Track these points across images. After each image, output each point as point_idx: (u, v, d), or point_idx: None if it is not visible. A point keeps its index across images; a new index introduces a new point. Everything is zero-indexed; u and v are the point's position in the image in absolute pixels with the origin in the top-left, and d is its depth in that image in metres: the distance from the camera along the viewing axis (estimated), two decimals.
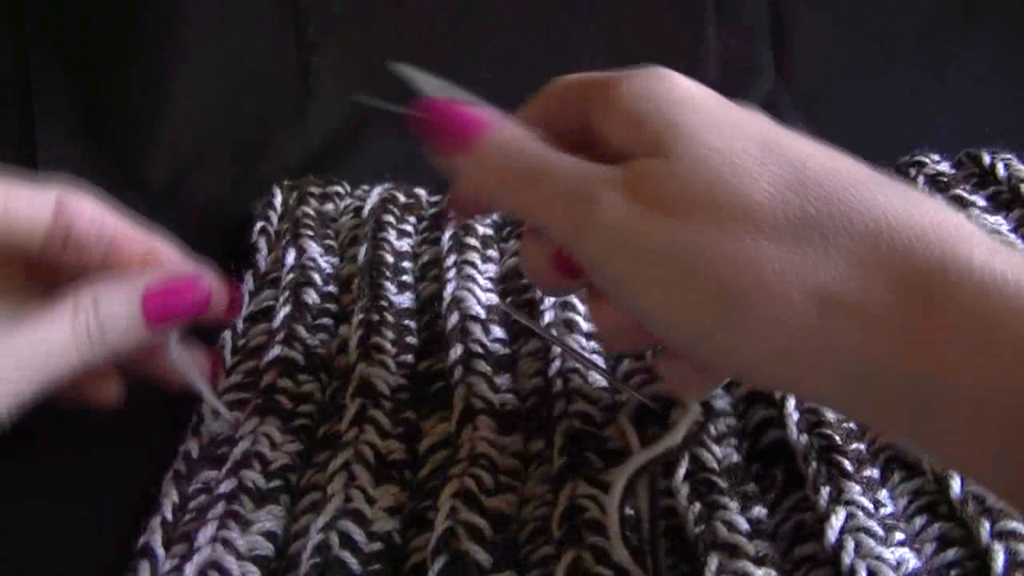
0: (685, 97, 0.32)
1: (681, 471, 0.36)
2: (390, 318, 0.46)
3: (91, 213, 0.37)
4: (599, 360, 0.43)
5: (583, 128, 0.34)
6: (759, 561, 0.33)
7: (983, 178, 0.57)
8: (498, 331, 0.46)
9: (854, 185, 0.29)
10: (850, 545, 0.33)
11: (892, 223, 0.28)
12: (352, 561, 0.32)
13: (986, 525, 0.33)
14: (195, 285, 0.38)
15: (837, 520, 0.34)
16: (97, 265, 0.37)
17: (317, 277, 0.50)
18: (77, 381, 0.36)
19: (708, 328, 0.29)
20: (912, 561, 0.33)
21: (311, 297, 0.48)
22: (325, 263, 0.52)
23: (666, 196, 0.30)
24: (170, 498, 0.36)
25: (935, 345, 0.26)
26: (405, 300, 0.49)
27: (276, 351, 0.44)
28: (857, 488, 0.35)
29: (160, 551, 0.34)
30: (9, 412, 0.33)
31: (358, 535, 0.33)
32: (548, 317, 0.46)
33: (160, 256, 0.38)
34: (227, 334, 0.46)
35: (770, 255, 0.28)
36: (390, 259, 0.51)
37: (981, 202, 0.54)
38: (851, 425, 0.40)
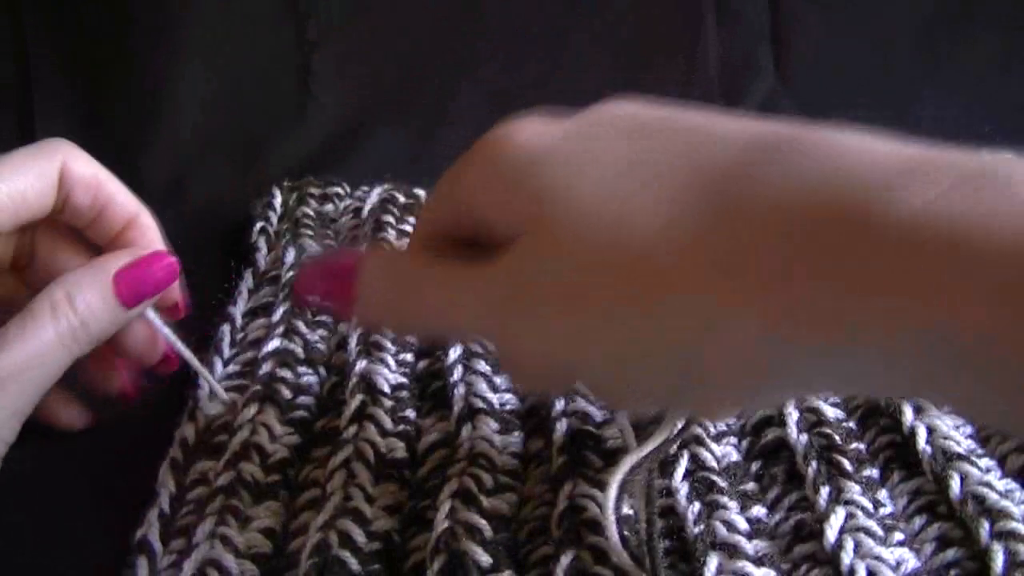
0: (533, 147, 0.29)
1: (680, 470, 0.36)
2: None
3: (89, 179, 0.38)
4: None
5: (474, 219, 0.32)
6: (758, 561, 0.33)
7: None
8: None
9: (742, 173, 0.26)
10: (850, 545, 0.33)
11: (807, 203, 0.24)
12: (351, 560, 0.32)
13: (985, 525, 0.33)
14: (160, 258, 0.38)
15: (837, 520, 0.34)
16: (85, 225, 0.39)
17: None
18: (42, 407, 0.37)
19: (668, 400, 0.29)
20: (911, 561, 0.33)
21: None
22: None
23: (553, 291, 0.28)
24: (167, 489, 0.36)
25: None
26: None
27: (275, 343, 0.44)
28: (857, 488, 0.35)
29: (158, 545, 0.34)
30: (14, 432, 0.34)
31: (358, 534, 0.33)
32: None
33: (141, 223, 0.40)
34: (226, 327, 0.47)
35: (685, 301, 0.26)
36: None
37: None
38: (851, 425, 0.40)
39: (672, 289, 0.26)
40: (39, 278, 0.39)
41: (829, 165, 0.25)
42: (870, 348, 0.23)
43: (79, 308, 0.36)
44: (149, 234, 0.40)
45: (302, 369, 0.43)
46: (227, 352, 0.45)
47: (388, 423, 0.39)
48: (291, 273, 0.50)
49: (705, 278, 0.25)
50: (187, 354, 0.40)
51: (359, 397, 0.40)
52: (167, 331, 0.40)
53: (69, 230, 0.40)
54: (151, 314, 0.39)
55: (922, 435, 0.38)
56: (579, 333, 0.28)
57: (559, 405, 0.40)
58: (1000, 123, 0.65)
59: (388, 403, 0.40)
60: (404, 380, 0.42)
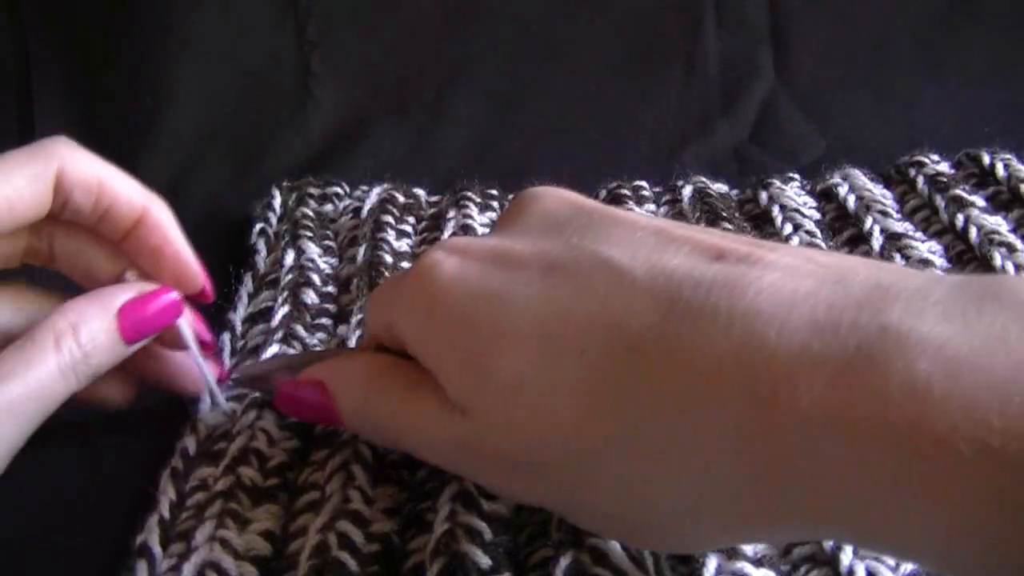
0: (449, 318, 0.30)
1: None
2: None
3: (89, 180, 0.37)
4: None
5: None
6: (757, 562, 0.33)
7: (983, 178, 0.57)
8: None
9: (649, 358, 0.26)
10: (849, 546, 0.33)
11: (709, 387, 0.25)
12: (351, 562, 0.32)
13: None
14: (164, 297, 0.38)
15: None
16: (91, 226, 0.38)
17: (316, 277, 0.50)
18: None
19: (628, 541, 0.31)
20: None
21: (310, 297, 0.48)
22: (324, 264, 0.52)
23: (497, 462, 0.30)
24: (167, 496, 0.36)
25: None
26: None
27: (274, 348, 0.44)
28: None
29: (157, 550, 0.34)
30: (4, 463, 0.33)
31: (357, 536, 0.33)
32: None
33: (150, 219, 0.39)
34: (226, 336, 0.46)
35: (612, 481, 0.27)
36: (389, 259, 0.51)
37: (981, 202, 0.54)
38: None
39: (595, 477, 0.27)
40: (66, 272, 0.39)
41: (739, 339, 0.25)
42: (788, 529, 0.26)
43: (83, 341, 0.35)
44: (159, 230, 0.39)
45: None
46: (227, 363, 0.45)
47: None
48: (290, 276, 0.50)
49: (627, 465, 0.27)
50: (205, 369, 0.40)
51: None
52: (192, 343, 0.39)
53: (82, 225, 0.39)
54: (183, 324, 0.38)
55: None
56: (529, 495, 0.31)
57: None
58: (1000, 123, 0.65)
59: None
60: None
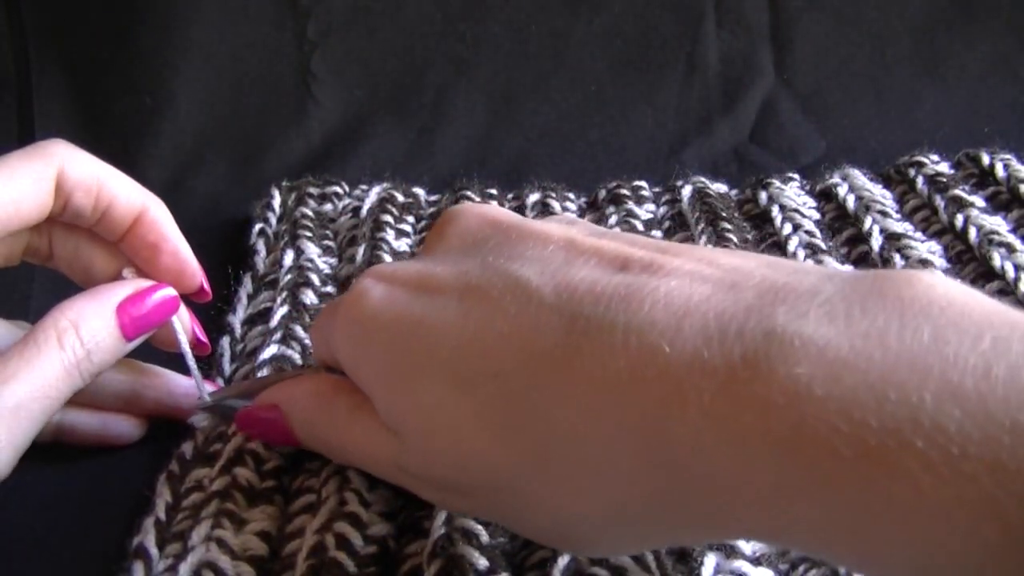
0: (373, 347, 0.31)
1: None
2: None
3: (88, 181, 0.37)
4: None
5: None
6: (756, 561, 0.33)
7: (982, 178, 0.57)
8: None
9: (553, 377, 0.27)
10: None
11: (610, 404, 0.25)
12: (348, 562, 0.32)
13: None
14: (161, 293, 0.38)
15: None
16: (90, 226, 0.38)
17: (315, 278, 0.50)
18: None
19: (572, 551, 0.32)
20: None
21: (309, 298, 0.48)
22: (323, 264, 0.52)
23: (430, 483, 0.31)
24: (163, 498, 0.36)
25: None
26: None
27: (273, 349, 0.44)
28: None
29: (154, 551, 0.34)
30: (9, 466, 0.33)
31: (354, 537, 0.33)
32: None
33: (148, 218, 0.39)
34: (225, 340, 0.46)
35: (536, 505, 0.28)
36: (388, 259, 0.51)
37: (980, 202, 0.54)
38: None
39: (517, 500, 0.28)
40: (64, 271, 0.39)
41: (635, 352, 0.25)
42: (697, 532, 0.27)
43: (85, 338, 0.35)
44: (157, 229, 0.39)
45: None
46: (227, 369, 0.45)
47: None
48: (289, 276, 0.50)
49: (545, 490, 0.27)
50: (194, 368, 0.40)
51: None
52: (184, 341, 0.39)
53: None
54: (176, 322, 0.39)
55: None
56: (471, 511, 0.32)
57: None
58: (1000, 123, 0.65)
59: None
60: None
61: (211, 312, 0.49)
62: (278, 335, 0.45)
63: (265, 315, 0.48)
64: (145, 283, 0.38)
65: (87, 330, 0.35)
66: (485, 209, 0.34)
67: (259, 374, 0.42)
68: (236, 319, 0.48)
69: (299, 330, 0.45)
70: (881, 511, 0.21)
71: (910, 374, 0.21)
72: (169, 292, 0.38)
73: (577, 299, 0.27)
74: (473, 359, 0.28)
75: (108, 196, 0.38)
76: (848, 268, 0.50)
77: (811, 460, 0.21)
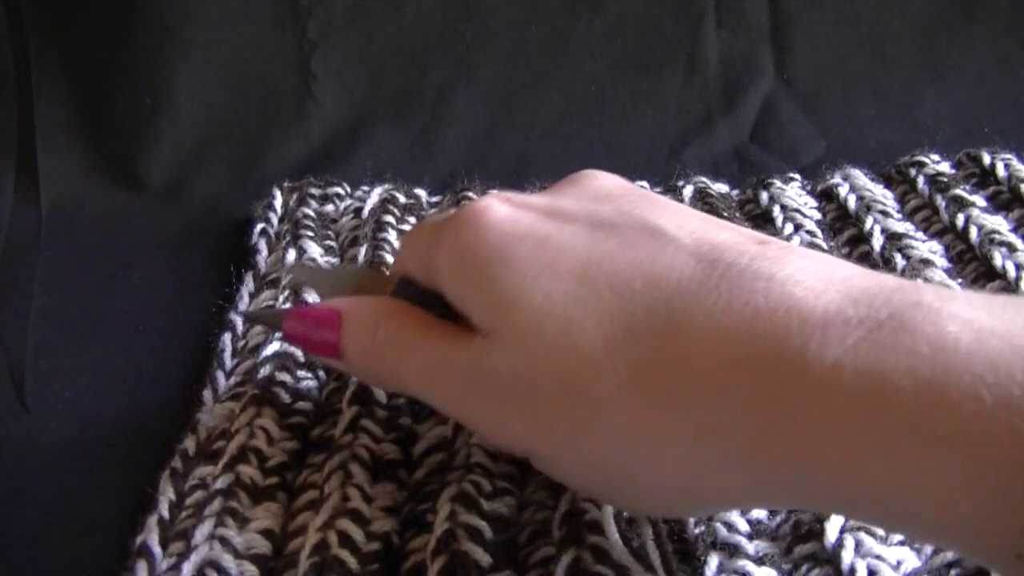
0: (494, 249, 0.30)
1: None
2: None
3: None
4: None
5: None
6: (759, 560, 0.33)
7: (983, 178, 0.57)
8: None
9: (684, 303, 0.27)
10: (850, 544, 0.33)
11: (739, 334, 0.26)
12: (351, 560, 0.32)
13: None
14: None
15: (837, 519, 0.34)
16: None
17: None
18: None
19: (610, 497, 0.32)
20: (912, 560, 0.33)
21: (312, 296, 0.48)
22: (325, 263, 0.52)
23: (507, 389, 0.30)
24: (166, 496, 0.36)
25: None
26: None
27: (275, 346, 0.44)
28: None
29: (157, 550, 0.34)
30: None
31: (357, 534, 0.33)
32: None
33: None
34: (227, 336, 0.46)
35: (622, 424, 0.27)
36: (390, 259, 0.51)
37: (981, 202, 0.54)
38: None
39: (607, 415, 0.28)
40: None
41: (777, 298, 0.26)
42: (787, 476, 0.26)
43: None
44: None
45: (301, 373, 0.43)
46: (229, 363, 0.45)
47: (382, 432, 0.39)
48: (291, 276, 0.50)
49: (640, 409, 0.27)
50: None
51: (354, 408, 0.39)
52: None
53: None
54: None
55: None
56: (524, 434, 0.31)
57: None
58: (1000, 123, 0.65)
59: (382, 413, 0.40)
60: None
61: (212, 310, 0.49)
62: (280, 332, 0.45)
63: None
64: None
65: None
66: (619, 177, 0.34)
67: (262, 370, 0.42)
68: (237, 316, 0.48)
69: None
70: (1019, 459, 0.21)
71: None
72: None
73: (719, 251, 0.28)
74: (599, 277, 0.28)
75: None
76: None
77: (952, 404, 0.22)
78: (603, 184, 0.34)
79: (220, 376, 0.44)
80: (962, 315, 0.23)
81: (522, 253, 0.30)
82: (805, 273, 0.26)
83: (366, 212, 0.56)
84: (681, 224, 0.29)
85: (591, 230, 0.30)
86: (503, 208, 0.31)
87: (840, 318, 0.25)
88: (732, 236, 0.29)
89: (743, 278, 0.27)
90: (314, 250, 0.52)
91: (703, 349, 0.26)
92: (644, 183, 0.60)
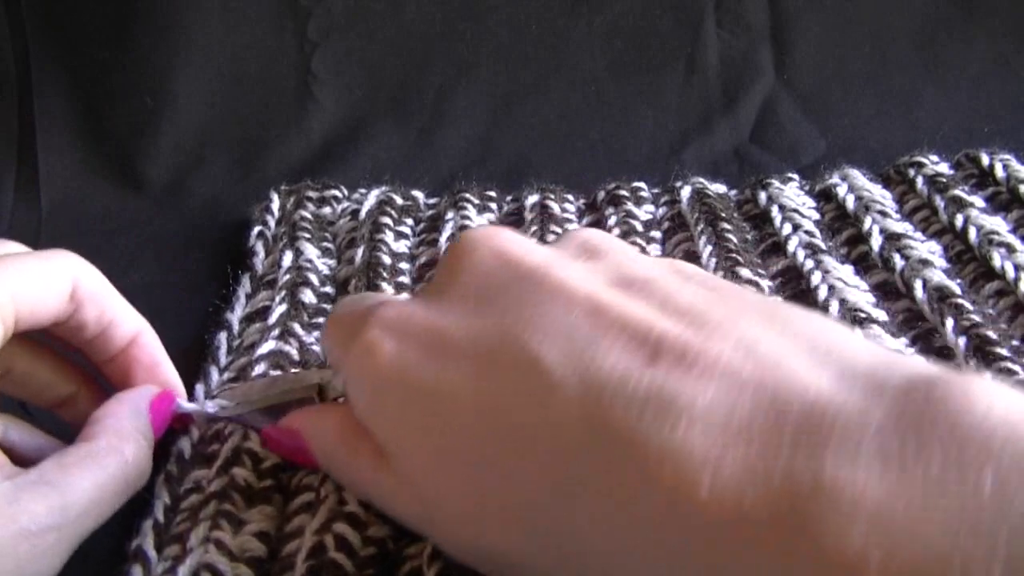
0: (377, 395, 0.31)
1: None
2: None
3: (97, 294, 0.37)
4: None
5: None
6: None
7: (982, 179, 0.57)
8: None
9: (573, 480, 0.25)
10: None
11: (624, 515, 0.24)
12: (347, 564, 0.32)
13: None
14: (168, 397, 0.38)
15: None
16: (87, 341, 0.38)
17: (314, 278, 0.50)
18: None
19: None
20: None
21: (307, 297, 0.48)
22: (322, 265, 0.52)
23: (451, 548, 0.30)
24: (161, 499, 0.36)
25: None
26: None
27: (271, 345, 0.44)
28: None
29: (152, 554, 0.34)
30: (59, 569, 0.32)
31: (353, 538, 0.33)
32: None
33: (144, 340, 0.39)
34: (222, 336, 0.46)
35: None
36: (387, 260, 0.51)
37: (980, 203, 0.54)
38: None
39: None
40: (9, 388, 0.38)
41: (670, 485, 0.23)
42: None
43: (136, 448, 0.34)
44: (153, 352, 0.39)
45: (295, 370, 0.43)
46: (223, 360, 0.45)
47: None
48: (288, 276, 0.50)
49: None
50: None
51: None
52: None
53: (43, 344, 0.39)
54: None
55: None
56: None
57: None
58: (1000, 123, 0.65)
59: None
60: None
61: (209, 309, 0.49)
62: (276, 332, 0.45)
63: (263, 313, 0.48)
64: (157, 387, 0.38)
65: (140, 439, 0.35)
66: (501, 243, 0.31)
67: (257, 368, 0.43)
68: (234, 316, 0.48)
69: (297, 328, 0.46)
70: None
71: (975, 543, 0.19)
72: (172, 395, 0.39)
73: (607, 400, 0.25)
74: (493, 453, 0.27)
75: (111, 313, 0.38)
76: (848, 267, 0.50)
77: None
78: (484, 267, 0.31)
79: (214, 371, 0.44)
80: (869, 496, 0.20)
81: (414, 419, 0.30)
82: (698, 434, 0.23)
83: (363, 214, 0.56)
84: (567, 348, 0.27)
85: (475, 374, 0.28)
86: (388, 347, 0.30)
87: (738, 518, 0.22)
88: (620, 358, 0.26)
89: (635, 456, 0.24)
90: (311, 251, 0.52)
91: (607, 548, 0.25)
92: (643, 184, 0.60)
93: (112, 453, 0.33)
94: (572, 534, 0.25)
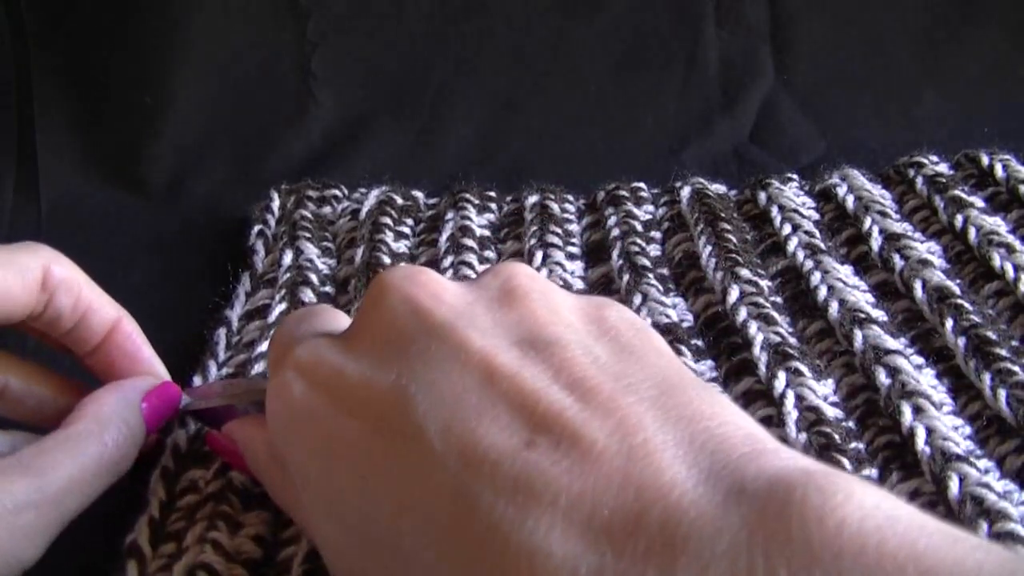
0: (285, 433, 0.31)
1: None
2: None
3: (70, 282, 0.37)
4: None
5: None
6: None
7: (982, 179, 0.57)
8: None
9: (438, 553, 0.25)
10: None
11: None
12: None
13: (984, 526, 0.33)
14: (171, 388, 0.38)
15: None
16: (65, 331, 0.38)
17: (314, 277, 0.50)
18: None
19: None
20: None
21: (307, 296, 0.48)
22: (322, 264, 0.52)
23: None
24: (157, 496, 0.36)
25: None
26: None
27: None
28: None
29: (148, 550, 0.34)
30: (40, 554, 0.32)
31: None
32: None
33: (124, 328, 0.39)
34: (221, 331, 0.47)
35: None
36: (387, 260, 0.51)
37: (980, 203, 0.54)
38: (850, 424, 0.40)
39: None
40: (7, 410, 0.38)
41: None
42: None
43: (121, 434, 0.34)
44: (134, 340, 0.39)
45: None
46: (222, 355, 0.45)
47: None
48: (288, 275, 0.50)
49: None
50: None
51: None
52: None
53: (34, 363, 0.39)
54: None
55: (921, 436, 0.38)
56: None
57: None
58: (1000, 123, 0.65)
59: None
60: None
61: (208, 307, 0.49)
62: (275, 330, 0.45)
63: (263, 311, 0.48)
64: (154, 379, 0.38)
65: (122, 425, 0.35)
66: (411, 291, 0.31)
67: (256, 366, 0.43)
68: (233, 313, 0.48)
69: None
70: None
71: None
72: (172, 386, 0.39)
73: (478, 485, 0.25)
74: (375, 514, 0.27)
75: (86, 301, 0.38)
76: (848, 267, 0.50)
77: None
78: (395, 317, 0.31)
79: (212, 365, 0.44)
80: None
81: (312, 468, 0.29)
82: (556, 535, 0.23)
83: (363, 214, 0.56)
84: (451, 415, 0.26)
85: (371, 434, 0.28)
86: (298, 388, 0.30)
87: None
88: (497, 437, 0.25)
89: (494, 549, 0.23)
90: (311, 251, 0.52)
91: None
92: (643, 184, 0.60)
93: (90, 437, 0.33)
94: None
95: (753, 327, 0.44)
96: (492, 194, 0.60)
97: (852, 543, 0.20)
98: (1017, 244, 0.50)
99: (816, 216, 0.56)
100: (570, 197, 0.60)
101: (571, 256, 0.53)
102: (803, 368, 0.42)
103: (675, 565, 0.21)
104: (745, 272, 0.49)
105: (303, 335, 0.33)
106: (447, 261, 0.51)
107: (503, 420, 0.26)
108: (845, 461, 0.37)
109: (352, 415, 0.29)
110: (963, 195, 0.55)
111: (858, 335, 0.43)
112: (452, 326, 0.29)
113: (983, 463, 0.37)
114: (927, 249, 0.51)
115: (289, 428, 0.31)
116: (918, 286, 0.47)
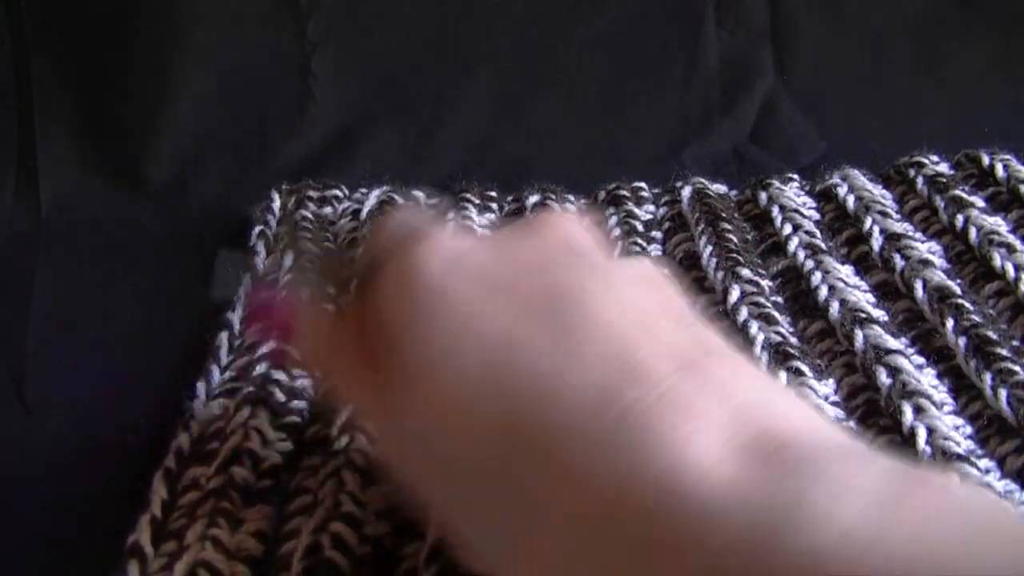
0: (419, 299, 0.29)
1: None
2: None
3: None
4: None
5: None
6: None
7: (982, 179, 0.57)
8: None
9: (568, 444, 0.25)
10: None
11: (607, 497, 0.24)
12: (343, 563, 0.32)
13: None
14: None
15: None
16: None
17: (315, 277, 0.50)
18: None
19: None
20: None
21: (307, 296, 0.48)
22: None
23: (400, 443, 0.30)
24: (159, 495, 0.36)
25: None
26: None
27: (273, 344, 0.44)
28: None
29: (149, 549, 0.34)
30: None
31: (350, 537, 0.33)
32: None
33: None
34: (223, 335, 0.46)
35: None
36: None
37: (980, 203, 0.54)
38: (851, 424, 0.40)
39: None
40: None
41: (642, 470, 0.24)
42: None
43: None
44: None
45: (297, 371, 0.43)
46: (224, 359, 0.45)
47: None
48: (289, 276, 0.50)
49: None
50: None
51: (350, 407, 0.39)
52: None
53: None
54: None
55: (922, 435, 0.38)
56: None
57: None
58: (1000, 123, 0.65)
59: None
60: None
61: (210, 309, 0.49)
62: None
63: None
64: None
65: None
66: (567, 230, 0.31)
67: (259, 367, 0.43)
68: (235, 316, 0.48)
69: None
70: None
71: None
72: None
73: (626, 383, 0.25)
74: (505, 385, 0.27)
75: None
76: (848, 267, 0.50)
77: None
78: (544, 245, 0.31)
79: (215, 370, 0.44)
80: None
81: (430, 329, 0.29)
82: (701, 427, 0.24)
83: (364, 214, 0.56)
84: (605, 334, 0.27)
85: (519, 314, 0.28)
86: (437, 263, 0.30)
87: (730, 501, 0.22)
88: (655, 353, 0.26)
89: (633, 430, 0.24)
90: (312, 251, 0.52)
91: (567, 501, 0.24)
92: (643, 184, 0.60)
93: None
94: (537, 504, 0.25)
95: (754, 327, 0.45)
96: (492, 194, 0.60)
97: (838, 554, 0.21)
98: (1017, 244, 0.50)
99: (817, 216, 0.56)
100: (570, 197, 0.60)
101: None
102: (804, 368, 0.42)
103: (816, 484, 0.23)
104: (746, 272, 0.49)
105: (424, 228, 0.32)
106: None
107: (662, 345, 0.27)
108: None
109: (508, 297, 0.28)
110: (964, 195, 0.55)
111: (859, 335, 0.44)
112: (588, 284, 0.29)
113: (984, 463, 0.37)
114: (928, 249, 0.51)
115: (415, 306, 0.29)
116: (919, 286, 0.47)
